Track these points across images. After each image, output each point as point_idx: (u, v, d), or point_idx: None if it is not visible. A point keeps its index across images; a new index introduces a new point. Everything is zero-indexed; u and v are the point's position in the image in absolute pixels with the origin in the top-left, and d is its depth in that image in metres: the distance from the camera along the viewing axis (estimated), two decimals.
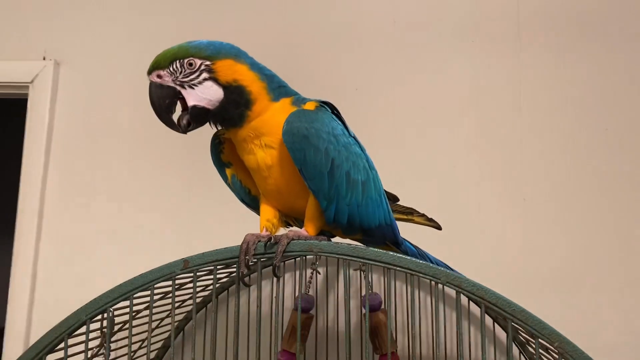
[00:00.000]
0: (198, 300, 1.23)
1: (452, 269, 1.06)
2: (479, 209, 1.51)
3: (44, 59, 1.69)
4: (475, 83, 1.58)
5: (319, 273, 1.33)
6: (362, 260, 0.79)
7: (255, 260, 0.79)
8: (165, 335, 1.21)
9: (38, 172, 1.62)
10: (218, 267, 0.81)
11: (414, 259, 0.78)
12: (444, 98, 1.57)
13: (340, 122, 0.86)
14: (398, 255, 0.78)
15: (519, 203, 1.52)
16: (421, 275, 0.77)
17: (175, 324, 1.13)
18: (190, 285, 0.87)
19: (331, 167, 0.79)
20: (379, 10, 1.64)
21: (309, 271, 1.17)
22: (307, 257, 1.24)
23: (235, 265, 0.79)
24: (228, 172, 0.94)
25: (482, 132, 1.55)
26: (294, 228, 0.93)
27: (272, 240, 0.79)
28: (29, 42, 1.71)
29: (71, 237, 1.59)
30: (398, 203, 1.09)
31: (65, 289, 1.54)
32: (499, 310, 0.75)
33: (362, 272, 0.96)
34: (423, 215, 1.09)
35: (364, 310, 1.40)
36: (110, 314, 0.84)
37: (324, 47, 1.63)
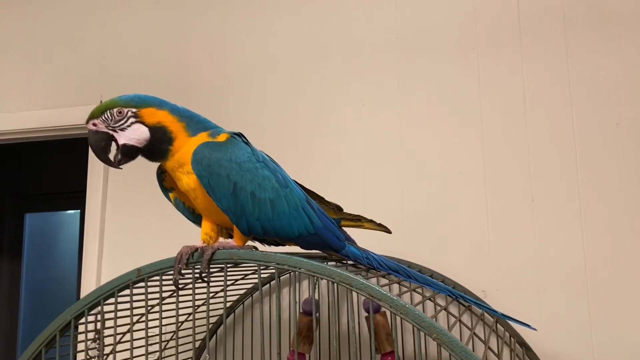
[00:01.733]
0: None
1: (404, 271, 1.14)
2: (487, 210, 1.54)
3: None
4: (480, 90, 1.61)
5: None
6: (272, 264, 0.91)
7: (189, 269, 0.95)
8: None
9: (98, 200, 1.93)
10: (164, 274, 0.98)
11: (313, 262, 0.89)
12: (450, 107, 1.62)
13: (249, 149, 1.00)
14: (301, 259, 0.89)
15: (527, 202, 1.52)
16: (318, 275, 0.88)
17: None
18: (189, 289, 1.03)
19: (234, 189, 0.94)
20: (382, 27, 1.73)
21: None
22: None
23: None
24: (171, 195, 1.12)
25: (489, 136, 1.57)
26: (228, 240, 1.07)
27: (200, 250, 0.94)
28: (88, 88, 2.03)
29: (125, 249, 1.87)
30: (345, 212, 1.19)
31: None
32: (383, 303, 0.84)
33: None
34: (371, 220, 1.18)
35: (365, 314, 1.51)
36: (95, 316, 1.04)
37: (330, 63, 1.76)
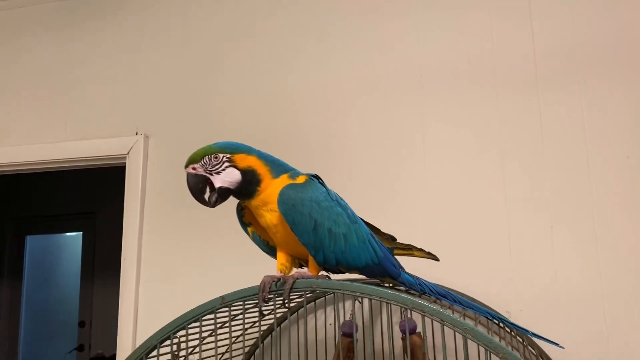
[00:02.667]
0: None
1: (451, 296, 1.27)
2: (509, 236, 1.68)
3: (137, 134, 2.10)
4: (499, 125, 1.76)
5: (361, 302, 1.58)
6: (348, 292, 1.03)
7: (272, 296, 1.07)
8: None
9: (135, 225, 2.02)
10: (246, 301, 1.09)
11: (387, 290, 1.01)
12: (471, 141, 1.77)
13: (324, 189, 1.13)
14: (375, 287, 1.02)
15: (547, 229, 1.66)
16: (392, 302, 1.00)
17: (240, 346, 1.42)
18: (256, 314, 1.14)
19: (314, 225, 1.06)
20: (405, 66, 1.88)
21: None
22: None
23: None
24: (249, 229, 1.25)
25: (510, 168, 1.72)
26: (302, 269, 1.19)
27: (282, 280, 1.06)
28: (124, 121, 2.14)
29: (162, 279, 1.96)
30: (398, 241, 1.32)
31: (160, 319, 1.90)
32: (456, 329, 0.96)
33: (355, 298, 1.20)
34: (421, 249, 1.32)
35: (401, 334, 1.62)
36: (177, 339, 1.15)
37: (357, 102, 1.90)
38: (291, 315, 1.61)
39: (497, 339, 1.49)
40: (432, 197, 1.75)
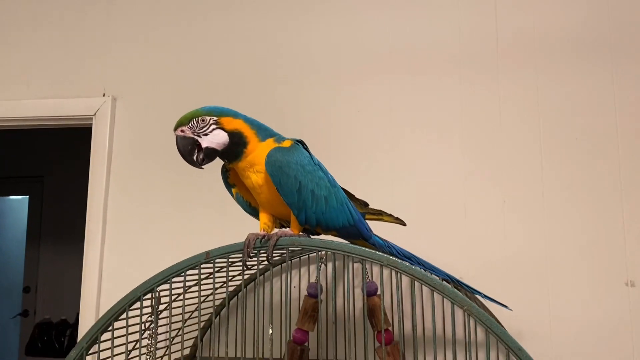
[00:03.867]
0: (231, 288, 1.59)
1: (414, 259, 1.37)
2: (465, 208, 1.80)
3: (104, 95, 2.09)
4: (460, 103, 1.87)
5: (325, 265, 1.66)
6: (328, 249, 1.11)
7: (255, 252, 1.14)
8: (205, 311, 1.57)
9: (101, 186, 2.02)
10: (230, 256, 1.15)
11: (364, 249, 1.10)
12: (435, 117, 1.88)
13: (308, 154, 1.20)
14: (353, 246, 1.10)
15: (500, 203, 1.80)
16: (369, 259, 1.09)
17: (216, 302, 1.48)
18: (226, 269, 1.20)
19: (299, 187, 1.14)
20: (375, 40, 1.96)
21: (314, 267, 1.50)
22: (316, 254, 1.58)
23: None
24: (234, 191, 1.30)
25: (468, 144, 1.84)
26: (284, 229, 1.26)
27: (266, 237, 1.13)
28: (91, 82, 2.12)
29: (128, 238, 1.98)
30: (369, 207, 1.41)
31: (125, 279, 1.92)
32: (425, 283, 1.06)
33: (320, 262, 1.29)
34: (390, 215, 1.42)
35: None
36: (157, 293, 1.20)
37: (328, 75, 1.96)
38: (261, 275, 1.67)
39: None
40: (400, 168, 1.86)
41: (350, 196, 1.36)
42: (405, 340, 1.59)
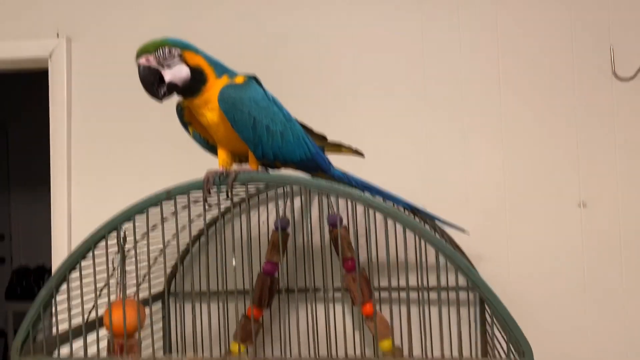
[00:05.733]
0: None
1: (374, 188, 1.42)
2: (426, 139, 1.84)
3: (57, 36, 2.03)
4: (422, 37, 1.88)
5: (291, 200, 1.71)
6: (285, 183, 1.15)
7: (217, 189, 1.17)
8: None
9: (63, 131, 2.00)
10: (193, 193, 1.18)
11: (320, 181, 1.14)
12: (398, 50, 1.88)
13: (261, 90, 1.20)
14: (309, 179, 1.15)
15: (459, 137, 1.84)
16: (325, 190, 1.13)
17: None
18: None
19: (253, 123, 1.15)
20: None
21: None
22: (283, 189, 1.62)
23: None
24: (190, 129, 1.31)
25: (428, 74, 1.86)
26: (243, 164, 1.29)
27: (225, 173, 1.15)
28: (43, 21, 2.05)
29: (94, 181, 1.99)
30: (328, 141, 1.44)
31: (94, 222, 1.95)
32: (379, 210, 1.11)
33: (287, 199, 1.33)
34: (349, 147, 1.45)
35: (329, 227, 1.78)
36: (123, 232, 1.23)
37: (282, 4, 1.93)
38: (235, 208, 1.69)
39: None
40: (360, 99, 1.87)
41: (309, 131, 1.39)
42: (372, 267, 1.66)
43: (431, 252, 1.12)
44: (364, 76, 1.88)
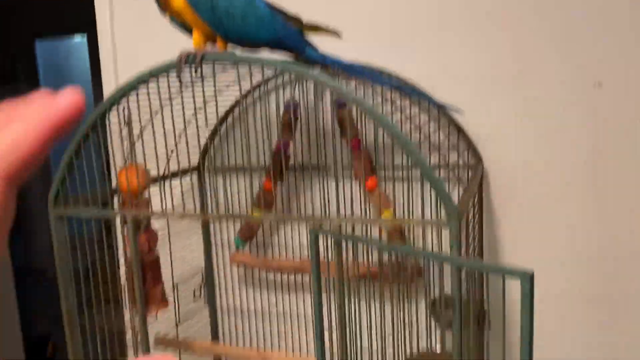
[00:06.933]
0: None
1: (356, 68, 1.48)
2: None
3: None
4: None
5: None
6: (250, 62, 1.26)
7: (187, 66, 1.31)
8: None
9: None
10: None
11: (278, 60, 1.24)
12: None
13: None
14: (268, 59, 1.25)
15: None
16: (280, 67, 1.24)
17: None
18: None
19: (211, 6, 1.25)
20: None
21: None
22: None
23: None
24: (167, 14, 1.40)
25: None
26: (215, 45, 1.40)
27: (194, 54, 1.29)
28: None
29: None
30: (304, 24, 1.48)
31: None
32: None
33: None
34: (326, 28, 1.48)
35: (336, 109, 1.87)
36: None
37: None
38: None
39: (399, 114, 1.74)
40: None
41: (282, 13, 1.43)
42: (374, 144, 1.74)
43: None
44: None
